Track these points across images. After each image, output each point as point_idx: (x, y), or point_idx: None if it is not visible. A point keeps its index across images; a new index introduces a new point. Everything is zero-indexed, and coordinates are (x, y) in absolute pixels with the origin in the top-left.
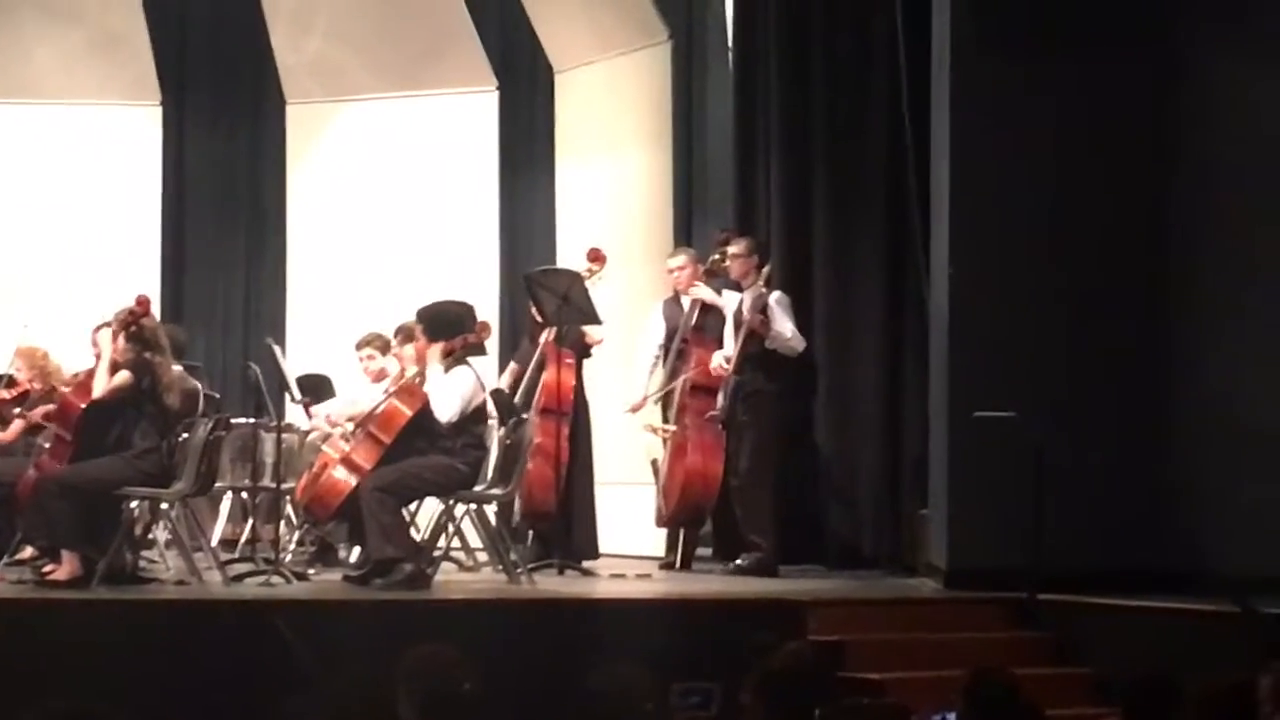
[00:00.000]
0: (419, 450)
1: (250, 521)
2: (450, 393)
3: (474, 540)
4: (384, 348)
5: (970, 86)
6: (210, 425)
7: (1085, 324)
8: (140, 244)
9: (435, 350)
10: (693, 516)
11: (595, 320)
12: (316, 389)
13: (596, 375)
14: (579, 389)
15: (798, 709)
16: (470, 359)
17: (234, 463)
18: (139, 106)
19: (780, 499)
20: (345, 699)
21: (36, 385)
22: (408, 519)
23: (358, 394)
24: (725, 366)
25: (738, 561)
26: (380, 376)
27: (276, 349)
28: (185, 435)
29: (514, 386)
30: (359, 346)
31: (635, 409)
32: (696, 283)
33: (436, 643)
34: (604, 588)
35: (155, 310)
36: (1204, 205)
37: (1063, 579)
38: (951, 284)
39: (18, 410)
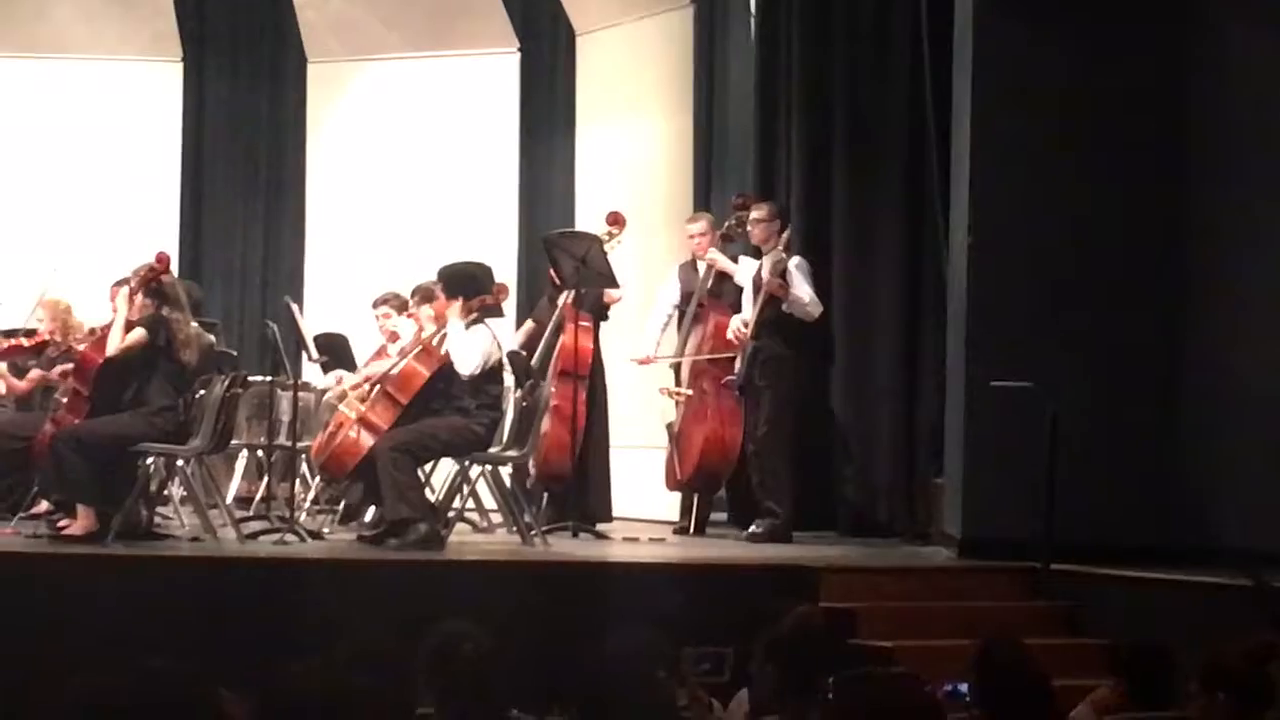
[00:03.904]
0: (435, 411)
1: (265, 479)
2: (471, 347)
3: (488, 502)
4: (400, 307)
5: (992, 53)
6: (227, 383)
7: (1103, 294)
8: (159, 200)
9: (454, 308)
10: (710, 482)
11: (613, 283)
12: (334, 349)
13: (613, 339)
14: (596, 352)
15: (809, 675)
16: (487, 320)
17: (250, 420)
18: (160, 62)
19: (796, 465)
20: (359, 658)
21: (57, 338)
22: (423, 479)
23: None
24: (743, 331)
25: (752, 528)
26: (394, 337)
27: (294, 307)
28: (202, 392)
29: (528, 343)
30: (375, 305)
31: (642, 362)
32: (712, 248)
33: (449, 609)
34: (618, 551)
35: (174, 267)
36: (1224, 176)
37: (1076, 549)
38: (970, 252)
39: (33, 363)
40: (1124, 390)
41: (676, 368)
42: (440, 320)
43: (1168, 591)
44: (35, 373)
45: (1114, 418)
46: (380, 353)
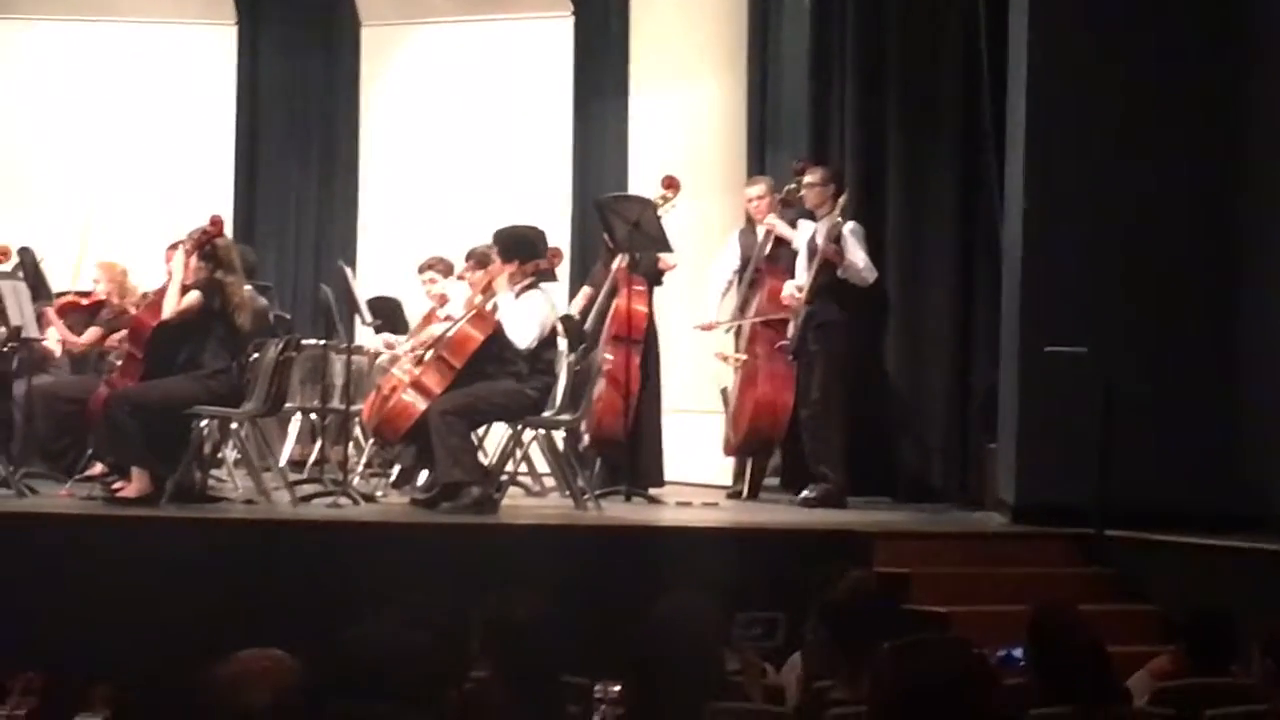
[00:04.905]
0: (489, 375)
1: (319, 442)
2: (527, 318)
3: (541, 466)
4: (446, 271)
5: (1049, 15)
6: (280, 346)
7: (1158, 260)
8: (214, 164)
9: (506, 274)
10: (761, 446)
11: (666, 247)
12: (387, 312)
13: (667, 303)
14: (650, 316)
15: (863, 640)
16: (542, 285)
17: (303, 384)
18: (214, 26)
19: (849, 431)
20: (412, 622)
21: (114, 300)
22: (476, 443)
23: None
24: (797, 295)
25: (806, 493)
26: (443, 300)
27: (348, 271)
28: (255, 356)
29: (586, 310)
30: (421, 270)
31: (705, 328)
32: (771, 214)
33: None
34: (670, 515)
35: (228, 231)
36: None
37: (1130, 515)
38: (1025, 218)
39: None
40: (1179, 356)
41: (735, 332)
42: (491, 284)
43: (1223, 558)
44: (94, 331)
45: (1168, 383)
46: (429, 317)
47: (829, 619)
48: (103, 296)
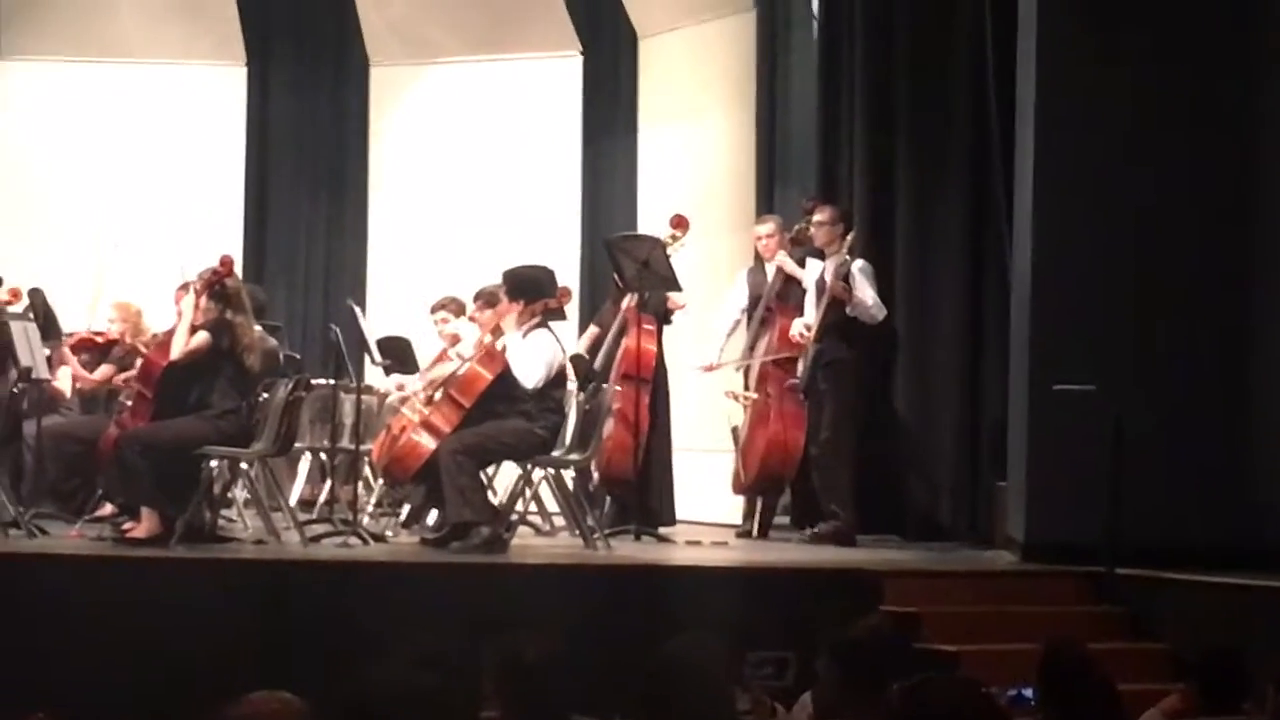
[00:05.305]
0: (498, 414)
1: (329, 482)
2: (534, 358)
3: (551, 505)
4: (458, 311)
5: (1057, 54)
6: (290, 386)
7: (1167, 297)
8: (223, 204)
9: (514, 313)
10: (772, 485)
11: (675, 286)
12: (397, 352)
13: (676, 341)
14: (659, 355)
15: (874, 680)
16: (550, 324)
17: (313, 423)
18: (224, 67)
19: (858, 469)
20: (423, 662)
21: (127, 339)
22: (486, 483)
23: (435, 372)
24: (805, 334)
25: (815, 530)
26: (454, 340)
27: (357, 310)
28: (265, 396)
29: (592, 348)
30: (433, 310)
31: (708, 369)
32: (780, 252)
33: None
34: (680, 554)
35: (237, 271)
36: None
37: (1141, 553)
38: (1034, 255)
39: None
40: (1189, 393)
41: (745, 371)
42: (499, 325)
43: (1235, 595)
44: (106, 368)
45: (1179, 421)
46: (441, 356)
47: (840, 658)
48: (115, 335)
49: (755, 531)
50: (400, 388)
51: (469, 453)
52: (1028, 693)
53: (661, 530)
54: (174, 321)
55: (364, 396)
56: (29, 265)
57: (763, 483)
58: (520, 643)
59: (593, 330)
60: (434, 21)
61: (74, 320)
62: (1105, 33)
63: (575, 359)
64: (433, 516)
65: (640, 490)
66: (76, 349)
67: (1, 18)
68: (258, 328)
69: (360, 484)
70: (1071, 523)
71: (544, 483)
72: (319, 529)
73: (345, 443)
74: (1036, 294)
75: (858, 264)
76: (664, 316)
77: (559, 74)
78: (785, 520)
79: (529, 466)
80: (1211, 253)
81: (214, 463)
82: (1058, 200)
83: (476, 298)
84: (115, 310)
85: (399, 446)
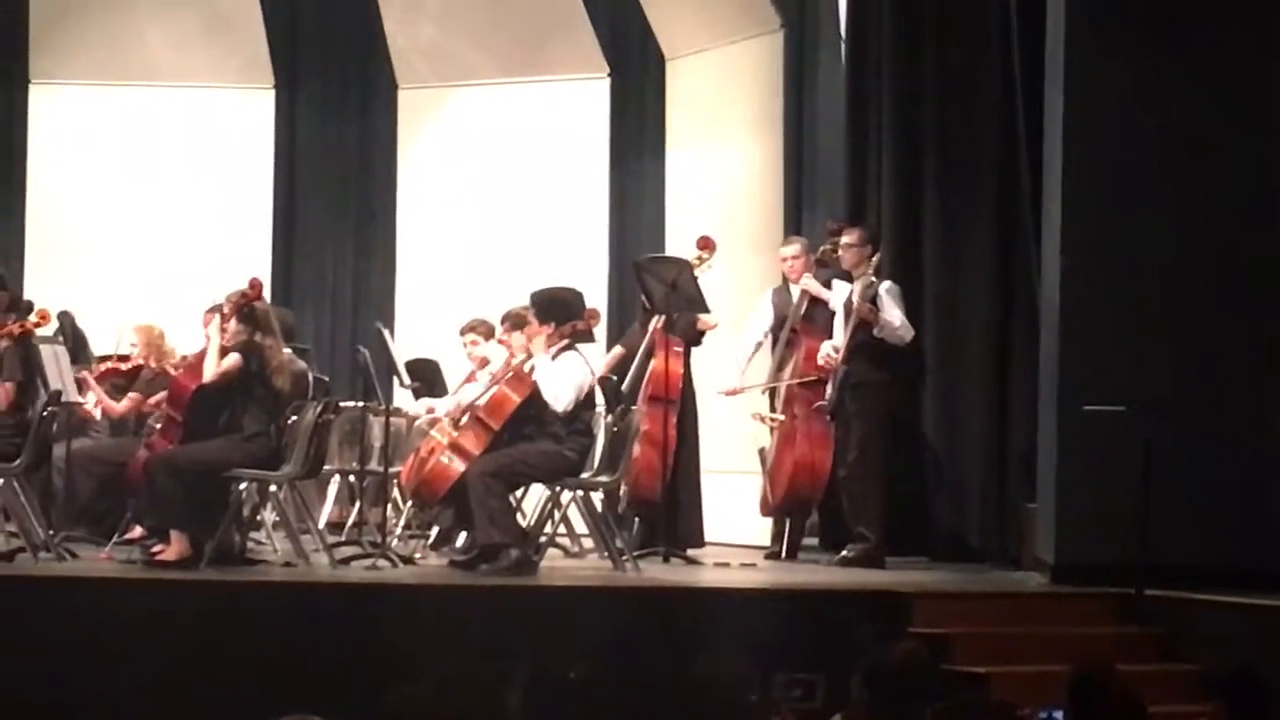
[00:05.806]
0: (527, 436)
1: (357, 505)
2: (564, 381)
3: (580, 527)
4: (488, 334)
5: (1085, 74)
6: (319, 408)
7: (1196, 318)
8: (252, 227)
9: (543, 336)
10: (800, 507)
11: (703, 308)
12: (425, 374)
13: (704, 363)
14: (687, 377)
15: (906, 703)
16: (578, 346)
17: (342, 446)
18: (252, 90)
19: (887, 490)
20: (452, 684)
21: (152, 363)
22: (514, 505)
23: (465, 394)
24: (833, 356)
25: (844, 552)
26: (484, 363)
27: (386, 333)
28: (294, 418)
29: (616, 368)
30: (463, 332)
31: (730, 393)
32: (806, 274)
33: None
34: (709, 576)
35: (266, 293)
36: None
37: (1171, 574)
38: (1063, 276)
39: (130, 393)
40: (1219, 414)
41: (771, 393)
42: (530, 346)
43: (1265, 617)
44: (132, 397)
45: (1208, 442)
46: (471, 378)
47: (872, 681)
48: (140, 361)
49: (784, 553)
50: (430, 411)
51: (498, 475)
52: (1058, 715)
53: (690, 552)
54: (202, 344)
55: (393, 419)
56: (58, 288)
57: (790, 504)
58: (549, 664)
59: (617, 351)
60: (461, 44)
61: (104, 343)
62: (1133, 53)
63: (604, 381)
64: (461, 539)
65: (668, 512)
66: (102, 379)
67: (31, 42)
68: (287, 350)
69: (389, 506)
70: (1101, 544)
71: (573, 505)
72: (348, 551)
73: (374, 465)
74: (1065, 315)
75: (885, 285)
76: (693, 339)
77: (587, 96)
78: (814, 541)
79: (558, 488)
80: (1241, 274)
81: (243, 485)
82: (1086, 221)
83: (504, 320)
84: (137, 335)
85: (428, 469)
